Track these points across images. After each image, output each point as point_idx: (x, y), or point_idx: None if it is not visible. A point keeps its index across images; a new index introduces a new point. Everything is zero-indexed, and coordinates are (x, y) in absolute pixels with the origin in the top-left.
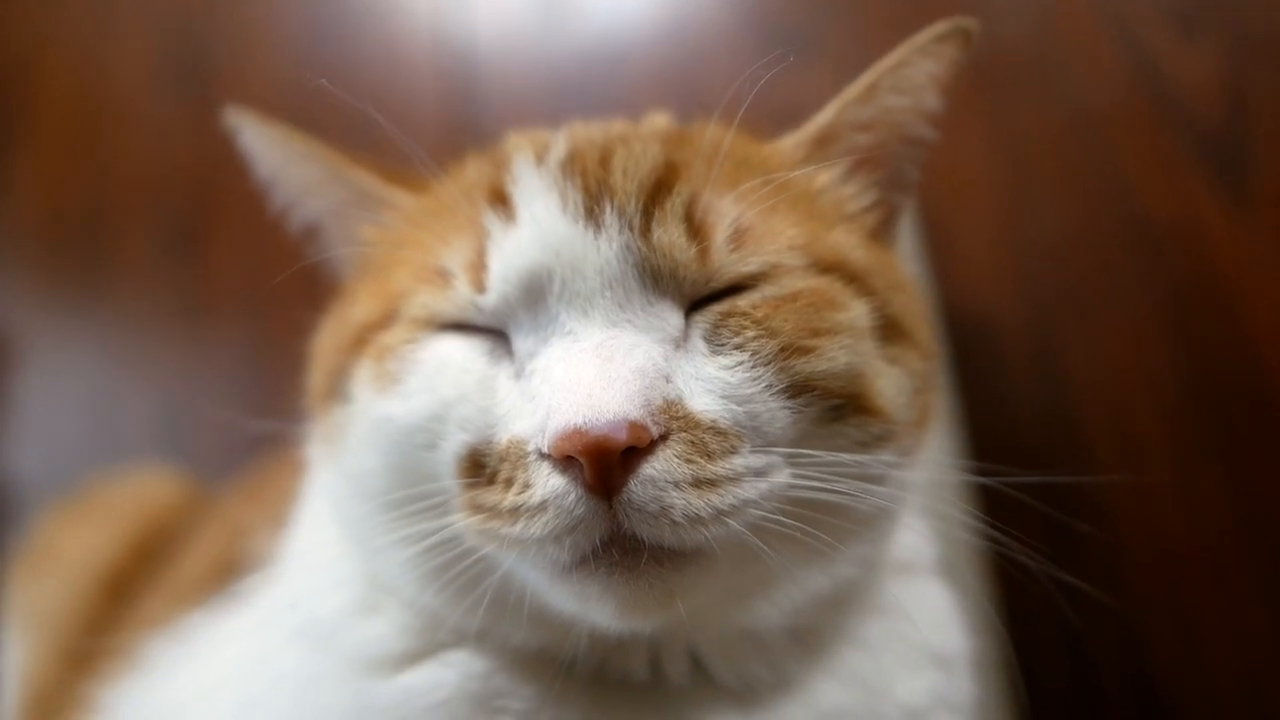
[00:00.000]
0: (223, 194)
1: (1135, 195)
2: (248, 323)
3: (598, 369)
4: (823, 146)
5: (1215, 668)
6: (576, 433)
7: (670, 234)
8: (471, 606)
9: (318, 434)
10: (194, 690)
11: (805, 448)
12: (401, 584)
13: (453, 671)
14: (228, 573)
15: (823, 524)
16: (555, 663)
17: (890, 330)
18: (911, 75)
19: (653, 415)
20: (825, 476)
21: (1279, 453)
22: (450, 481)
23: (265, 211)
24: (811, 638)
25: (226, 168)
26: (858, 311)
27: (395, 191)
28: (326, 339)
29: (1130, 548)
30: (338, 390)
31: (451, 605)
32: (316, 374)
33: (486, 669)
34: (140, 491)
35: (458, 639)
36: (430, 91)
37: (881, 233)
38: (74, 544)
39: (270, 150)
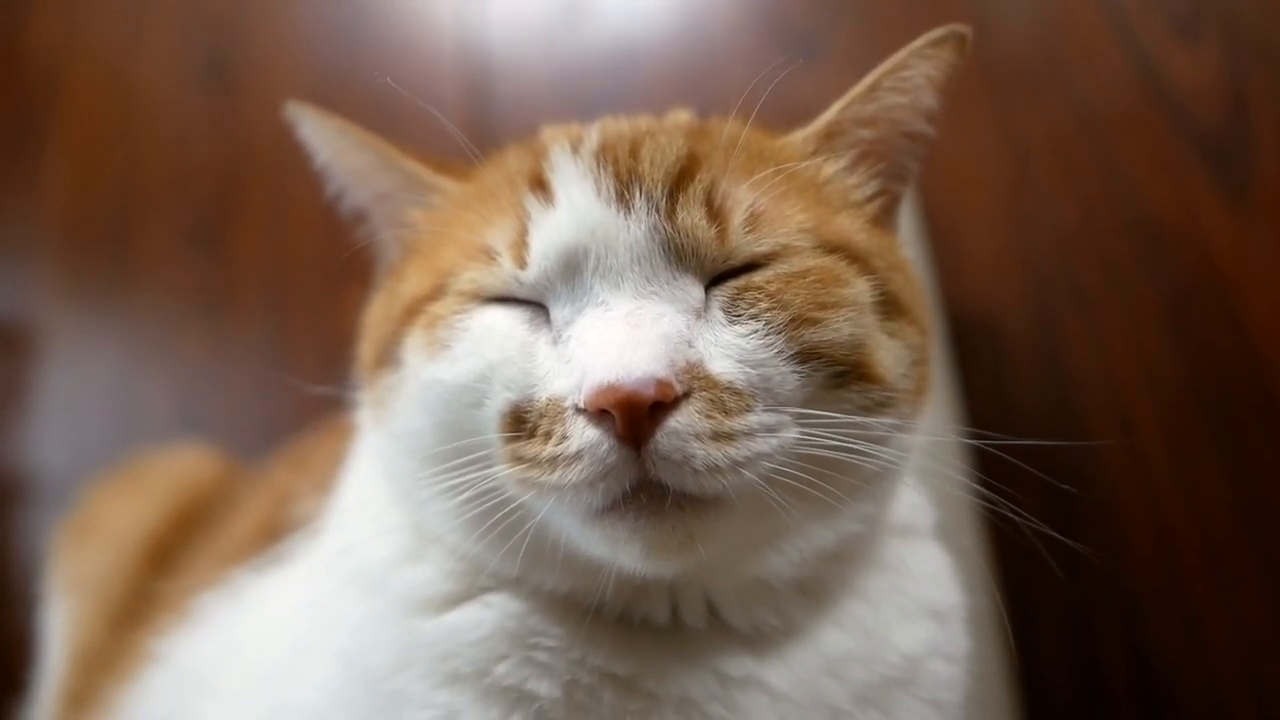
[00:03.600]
0: (246, 190)
1: (1138, 195)
2: (268, 317)
3: (628, 334)
4: (829, 140)
5: (1214, 650)
6: (610, 388)
7: (693, 216)
8: (510, 552)
9: (367, 399)
10: (249, 636)
11: (813, 410)
12: (445, 532)
13: (492, 612)
14: (274, 536)
15: (829, 479)
16: (584, 606)
17: (890, 306)
18: (910, 76)
19: (677, 374)
20: (831, 435)
21: (1277, 445)
22: (493, 436)
23: (287, 208)
24: (817, 589)
25: (250, 164)
26: (860, 288)
27: (441, 178)
28: (378, 311)
29: (1132, 535)
30: (389, 357)
31: (491, 551)
32: (367, 344)
33: (522, 610)
34: (181, 466)
35: (496, 583)
36: (449, 94)
37: (883, 219)
38: (118, 514)
39: (327, 140)
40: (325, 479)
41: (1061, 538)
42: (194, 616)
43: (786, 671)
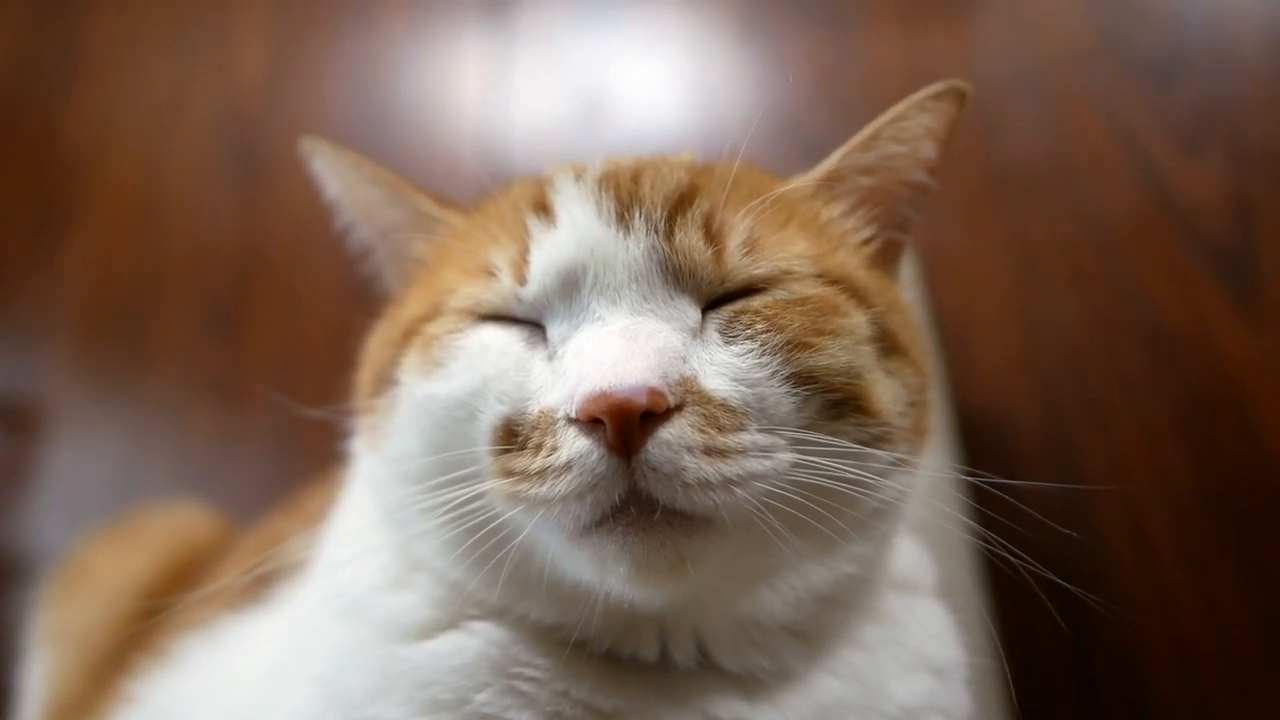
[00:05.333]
0: (263, 280)
1: (1147, 303)
2: (276, 408)
3: (622, 346)
4: (829, 186)
5: None
6: (602, 395)
7: (690, 238)
8: (493, 573)
9: (362, 425)
10: (226, 675)
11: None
12: (432, 558)
13: (475, 640)
14: (263, 580)
15: (826, 510)
16: (570, 639)
17: (888, 344)
18: (909, 127)
19: (670, 386)
20: (828, 464)
21: None
22: (484, 449)
23: (302, 299)
24: (812, 633)
25: (268, 256)
26: (859, 320)
27: (449, 213)
28: (377, 338)
29: (1147, 645)
30: (385, 380)
31: (474, 573)
32: (365, 371)
33: (506, 639)
34: (176, 523)
35: (482, 612)
36: (469, 189)
37: (882, 263)
38: (109, 567)
39: (339, 174)
40: (317, 521)
41: (1065, 584)
42: (173, 658)
43: (777, 716)
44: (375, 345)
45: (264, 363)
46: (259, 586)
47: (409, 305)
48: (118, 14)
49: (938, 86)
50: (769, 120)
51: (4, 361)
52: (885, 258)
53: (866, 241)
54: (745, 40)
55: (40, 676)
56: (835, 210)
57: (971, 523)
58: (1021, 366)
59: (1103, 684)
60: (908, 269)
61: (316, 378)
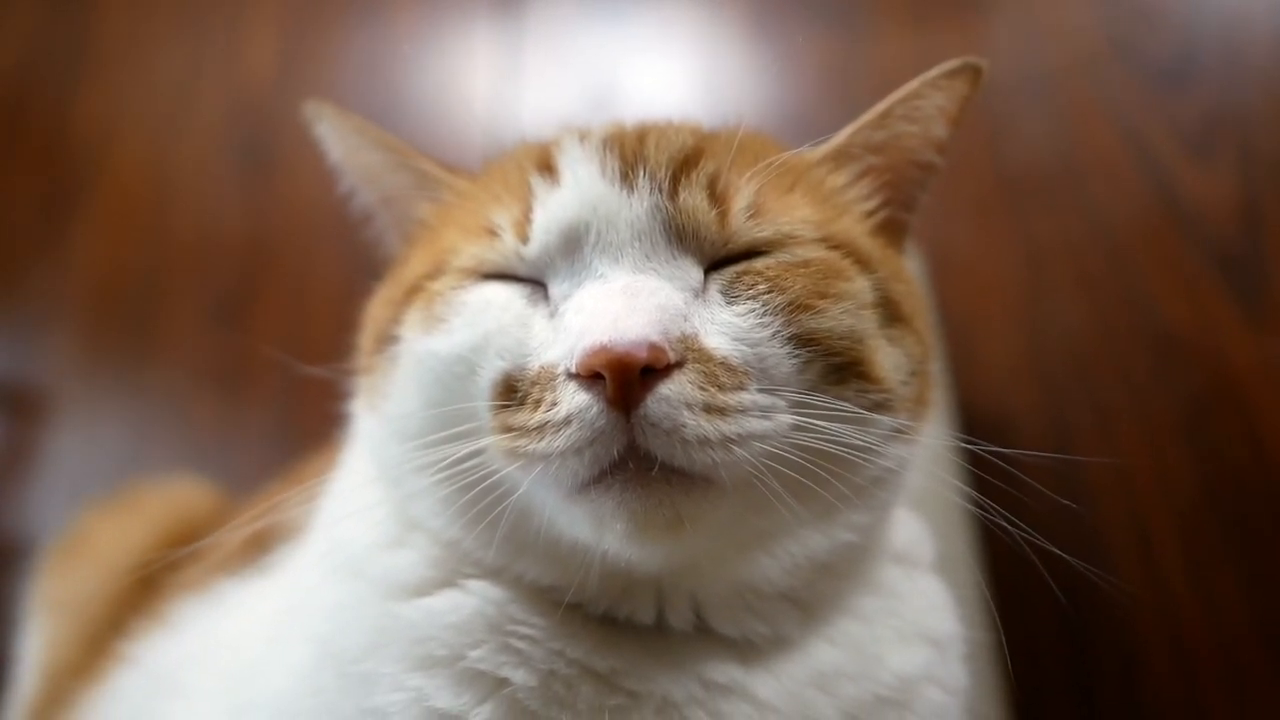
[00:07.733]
0: (268, 273)
1: (1153, 306)
2: (281, 397)
3: (624, 302)
4: (838, 162)
5: None
6: (602, 349)
7: (694, 198)
8: (488, 531)
9: (362, 386)
10: (225, 637)
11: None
12: (429, 517)
13: (472, 598)
14: (262, 546)
15: (826, 474)
16: (565, 600)
17: (891, 311)
18: (923, 106)
19: (671, 342)
20: (828, 428)
21: None
22: (483, 405)
23: (308, 289)
24: (808, 601)
25: (276, 247)
26: (862, 285)
27: (453, 177)
28: (378, 298)
29: (1148, 651)
30: (386, 338)
31: (469, 531)
32: (367, 333)
33: (503, 598)
34: (175, 496)
35: (478, 571)
36: None
37: (887, 236)
38: (107, 538)
39: (342, 138)
40: (315, 489)
41: (1063, 554)
42: (171, 621)
43: (773, 682)
44: (377, 305)
45: (268, 349)
46: (256, 551)
47: (411, 265)
48: (128, 6)
49: (952, 64)
50: (777, 119)
51: (10, 347)
52: (891, 232)
53: (872, 212)
54: (755, 39)
55: (37, 644)
56: (841, 179)
57: (972, 491)
58: (1027, 369)
59: (1100, 679)
60: (914, 270)
61: (320, 364)
